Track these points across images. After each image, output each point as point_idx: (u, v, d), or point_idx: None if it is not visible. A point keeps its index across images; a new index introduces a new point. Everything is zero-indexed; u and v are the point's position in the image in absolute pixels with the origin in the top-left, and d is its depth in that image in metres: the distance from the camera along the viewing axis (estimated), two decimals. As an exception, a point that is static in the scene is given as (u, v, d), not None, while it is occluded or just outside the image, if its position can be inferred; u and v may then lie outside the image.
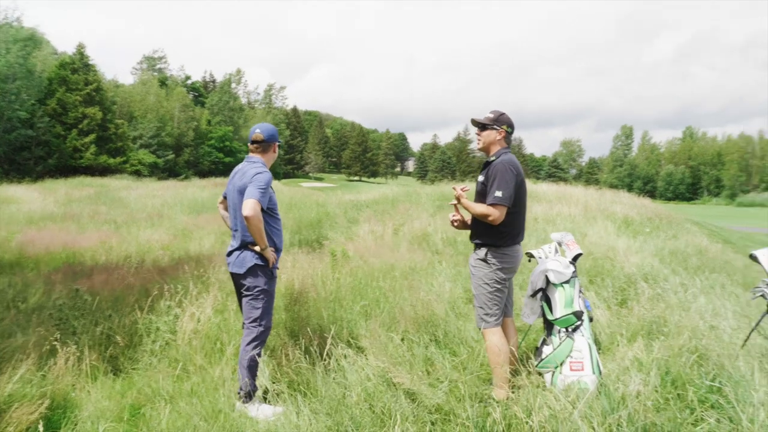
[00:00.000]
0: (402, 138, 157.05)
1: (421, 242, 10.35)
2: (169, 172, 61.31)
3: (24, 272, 8.28)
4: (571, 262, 4.53)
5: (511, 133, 4.27)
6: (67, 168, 46.09)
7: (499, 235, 4.06)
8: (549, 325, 4.36)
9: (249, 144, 4.35)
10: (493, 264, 4.07)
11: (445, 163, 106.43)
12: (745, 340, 4.41)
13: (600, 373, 4.04)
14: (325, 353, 4.41)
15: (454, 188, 4.25)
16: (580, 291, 4.49)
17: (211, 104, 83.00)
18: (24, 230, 12.53)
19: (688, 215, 21.16)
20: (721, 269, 8.23)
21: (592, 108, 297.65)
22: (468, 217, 4.38)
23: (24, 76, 44.19)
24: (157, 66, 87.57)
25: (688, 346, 4.22)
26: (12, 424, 3.43)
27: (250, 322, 4.15)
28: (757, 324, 4.46)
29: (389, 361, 4.15)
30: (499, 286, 4.09)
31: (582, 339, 4.17)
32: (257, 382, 4.15)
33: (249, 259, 4.13)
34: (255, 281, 4.14)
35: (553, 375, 4.11)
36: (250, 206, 3.86)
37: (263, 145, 4.31)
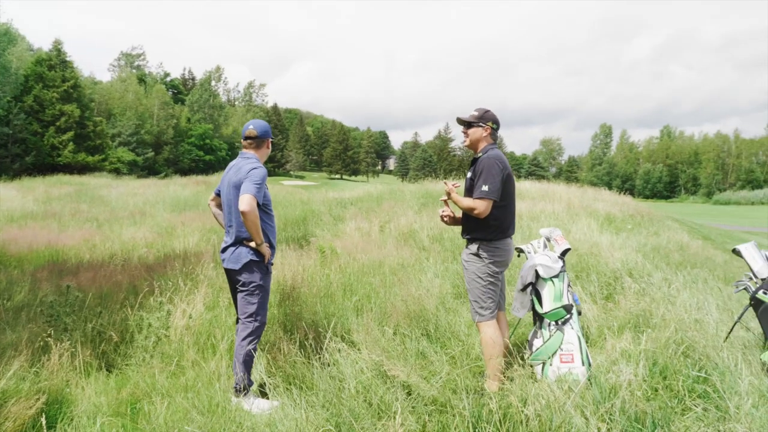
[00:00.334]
0: (383, 136, 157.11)
1: (407, 239, 10.41)
2: (148, 170, 60.81)
3: (8, 270, 8.19)
4: (559, 257, 4.61)
5: (497, 129, 4.35)
6: (45, 166, 45.44)
7: (489, 229, 4.14)
8: (539, 319, 4.44)
9: (242, 140, 4.37)
10: (486, 258, 4.15)
11: (426, 161, 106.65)
12: (729, 333, 4.53)
13: (590, 365, 4.13)
14: (319, 347, 4.46)
15: (445, 182, 4.33)
16: (569, 285, 4.57)
17: (191, 102, 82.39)
18: (5, 228, 12.37)
19: (667, 213, 21.48)
20: (703, 265, 8.41)
21: (572, 107, 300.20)
22: (458, 213, 4.45)
23: (-1, 72, 43.54)
24: (136, 63, 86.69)
25: (675, 339, 4.33)
26: (10, 418, 3.43)
27: (245, 318, 4.18)
28: (740, 317, 4.58)
29: (383, 354, 4.21)
30: (492, 280, 4.17)
31: (572, 332, 4.25)
32: (252, 377, 4.19)
33: (244, 254, 4.15)
34: (250, 277, 4.16)
35: (543, 367, 4.19)
36: (246, 201, 3.88)
37: (257, 140, 4.34)
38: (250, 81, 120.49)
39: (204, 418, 3.60)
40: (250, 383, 4.13)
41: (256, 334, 4.19)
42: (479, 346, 4.44)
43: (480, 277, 4.16)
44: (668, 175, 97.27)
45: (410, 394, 3.71)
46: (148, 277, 6.92)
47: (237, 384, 4.06)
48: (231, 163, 4.39)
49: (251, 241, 4.11)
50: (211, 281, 6.46)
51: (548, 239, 4.91)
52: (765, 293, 4.21)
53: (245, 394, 4.05)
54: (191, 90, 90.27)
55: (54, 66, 50.38)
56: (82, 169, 47.15)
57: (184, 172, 59.29)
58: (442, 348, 4.80)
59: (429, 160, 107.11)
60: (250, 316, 4.17)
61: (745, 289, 4.46)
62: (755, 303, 4.31)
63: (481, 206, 4.01)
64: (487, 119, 4.29)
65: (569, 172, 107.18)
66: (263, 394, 4.19)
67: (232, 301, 4.72)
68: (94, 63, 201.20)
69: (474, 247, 4.19)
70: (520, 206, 13.54)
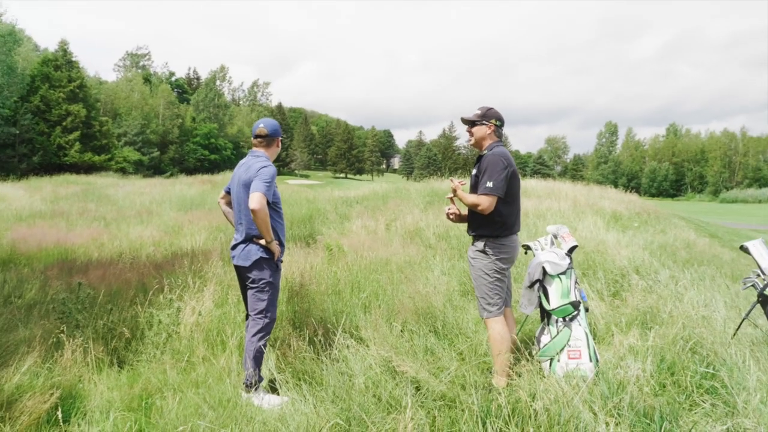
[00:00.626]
0: (387, 135, 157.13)
1: (413, 237, 10.44)
2: (154, 169, 61.02)
3: (18, 268, 8.26)
4: (567, 254, 4.63)
5: (501, 126, 4.38)
6: (52, 166, 45.65)
7: (495, 226, 4.17)
8: (547, 315, 4.46)
9: (253, 139, 4.41)
10: (492, 254, 4.18)
11: (430, 160, 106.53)
12: (737, 329, 4.54)
13: (597, 361, 4.16)
14: (328, 344, 4.50)
15: (451, 180, 4.36)
16: (576, 282, 4.59)
17: (196, 101, 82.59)
18: (14, 227, 12.47)
19: (674, 211, 21.44)
20: (710, 262, 8.41)
21: (577, 105, 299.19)
22: (464, 211, 4.48)
23: (5, 72, 43.58)
24: (141, 63, 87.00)
25: (683, 335, 4.36)
26: (25, 413, 3.49)
27: (255, 314, 4.22)
28: (748, 313, 4.59)
29: (391, 350, 4.24)
30: (499, 276, 4.20)
31: (579, 328, 4.28)
32: (262, 373, 4.23)
33: (254, 252, 4.20)
34: (260, 274, 4.20)
35: (551, 363, 4.22)
36: (256, 199, 3.92)
37: (267, 139, 4.37)
38: (255, 80, 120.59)
39: (215, 413, 3.64)
40: (261, 379, 4.17)
41: (266, 331, 4.23)
42: (487, 342, 4.47)
43: (487, 274, 4.19)
44: (674, 173, 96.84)
45: (419, 390, 3.74)
46: (156, 274, 6.98)
47: (247, 379, 4.10)
48: (241, 161, 4.43)
49: (261, 238, 4.15)
50: (219, 279, 6.51)
51: (555, 236, 4.93)
52: (773, 290, 4.22)
53: (255, 390, 4.09)
54: (196, 90, 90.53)
55: (60, 66, 50.60)
56: (89, 168, 47.35)
57: (190, 171, 59.39)
58: (449, 344, 4.82)
59: (434, 159, 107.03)
60: (260, 312, 4.22)
61: (752, 286, 4.47)
62: (763, 300, 4.32)
63: (485, 202, 4.04)
64: (490, 117, 4.32)
65: (575, 171, 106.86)
66: (273, 390, 4.23)
67: (241, 298, 4.76)
68: (96, 63, 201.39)
69: (480, 244, 4.22)
70: (527, 204, 13.56)
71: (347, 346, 4.29)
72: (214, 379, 4.33)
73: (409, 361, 4.13)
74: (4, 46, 43.23)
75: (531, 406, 3.18)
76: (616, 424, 3.08)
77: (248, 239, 4.24)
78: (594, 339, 4.71)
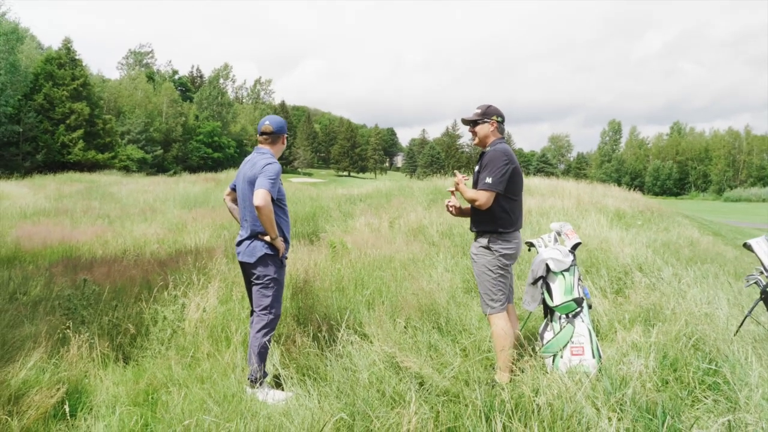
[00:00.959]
0: (391, 133, 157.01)
1: (417, 234, 10.46)
2: (157, 167, 61.07)
3: (23, 266, 8.30)
4: (570, 251, 4.64)
5: (502, 122, 4.40)
6: (55, 164, 45.72)
7: (498, 222, 4.18)
8: (550, 312, 4.48)
9: (258, 135, 4.43)
10: (496, 251, 4.20)
11: (434, 158, 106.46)
12: (739, 326, 4.55)
13: (600, 357, 4.17)
14: (331, 340, 4.52)
15: (455, 173, 4.37)
16: (579, 279, 4.61)
17: (199, 99, 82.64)
18: (19, 225, 12.52)
19: (677, 209, 21.41)
20: (713, 260, 8.40)
21: (581, 104, 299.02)
22: (464, 205, 4.51)
23: (9, 70, 43.65)
24: (144, 61, 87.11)
25: (685, 332, 4.37)
26: (33, 407, 3.52)
27: (260, 310, 4.25)
28: (751, 311, 4.59)
29: (395, 346, 4.27)
30: (502, 272, 4.22)
31: (582, 325, 4.29)
32: (266, 368, 4.26)
33: (259, 248, 4.22)
34: (265, 270, 4.23)
35: (554, 359, 4.23)
36: (261, 196, 3.94)
37: (272, 136, 4.40)
38: (257, 78, 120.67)
39: (220, 408, 3.66)
40: (265, 374, 4.20)
41: (270, 327, 4.26)
42: (490, 338, 4.48)
43: (490, 270, 4.21)
44: (678, 171, 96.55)
45: (422, 385, 3.77)
46: (161, 271, 7.01)
47: (252, 375, 4.12)
48: (247, 158, 4.46)
49: (266, 235, 4.18)
50: (223, 276, 6.54)
51: (559, 233, 4.94)
52: (776, 287, 4.22)
53: (260, 385, 4.11)
54: (199, 88, 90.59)
55: (64, 64, 50.65)
56: (92, 166, 47.39)
57: (193, 169, 59.44)
58: (453, 341, 4.84)
59: (437, 157, 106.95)
60: (264, 308, 4.24)
61: (755, 283, 4.47)
62: (766, 297, 4.32)
63: (482, 197, 4.06)
64: (491, 114, 4.34)
65: (578, 169, 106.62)
66: (278, 385, 4.26)
67: (246, 294, 4.79)
68: (99, 61, 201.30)
69: (484, 240, 4.24)
70: (530, 202, 13.56)
71: (351, 342, 4.32)
72: (219, 375, 4.36)
73: (412, 357, 4.15)
74: (7, 44, 43.31)
75: (534, 401, 3.20)
76: (619, 420, 3.10)
77: (253, 236, 4.26)
78: (597, 336, 4.72)
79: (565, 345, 4.22)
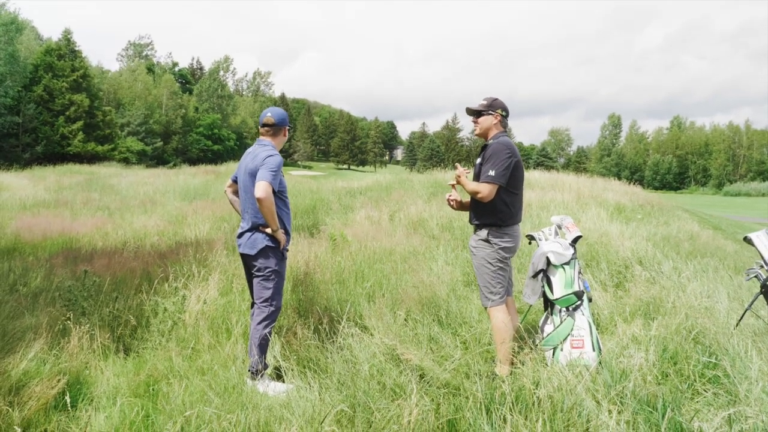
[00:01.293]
0: (391, 126, 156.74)
1: (417, 227, 10.47)
2: (157, 159, 60.99)
3: (23, 257, 8.30)
4: (570, 244, 4.64)
5: (506, 116, 4.40)
6: (55, 155, 45.64)
7: (499, 215, 4.18)
8: (550, 305, 4.49)
9: (260, 127, 4.42)
10: (495, 243, 4.20)
11: (433, 151, 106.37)
12: (739, 320, 4.56)
13: (600, 350, 4.18)
14: (332, 332, 4.53)
15: (456, 166, 4.36)
16: (580, 272, 4.61)
17: (199, 91, 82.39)
18: (18, 216, 12.51)
19: (677, 203, 21.41)
20: (713, 254, 8.41)
21: (582, 97, 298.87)
22: (465, 198, 4.50)
23: (8, 61, 43.50)
24: (144, 52, 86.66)
25: (685, 325, 4.37)
26: (33, 398, 3.52)
27: (261, 302, 4.25)
28: (751, 304, 4.61)
29: (396, 339, 4.27)
30: (501, 265, 4.22)
31: (582, 318, 4.29)
32: (267, 360, 4.27)
33: (260, 240, 4.22)
34: (266, 262, 4.23)
35: (554, 352, 4.24)
36: (262, 188, 3.94)
37: (274, 128, 4.39)
38: (256, 70, 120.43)
39: (221, 400, 3.67)
40: (266, 366, 4.21)
41: (271, 319, 4.26)
42: (490, 331, 4.49)
43: (489, 263, 4.21)
44: (678, 166, 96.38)
45: (423, 378, 3.77)
46: (161, 263, 7.01)
47: (252, 367, 4.13)
48: (248, 150, 4.45)
49: (267, 227, 4.17)
50: (223, 268, 6.54)
51: (559, 227, 4.94)
52: (776, 281, 4.23)
53: (261, 377, 4.12)
54: (199, 80, 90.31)
55: (63, 55, 50.50)
56: (92, 158, 47.32)
57: (193, 161, 59.33)
58: (453, 333, 4.85)
59: (437, 151, 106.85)
60: (265, 300, 4.24)
61: (756, 277, 4.48)
62: (766, 291, 4.33)
63: (485, 190, 4.06)
64: (496, 107, 4.33)
65: (578, 163, 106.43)
66: (278, 377, 4.27)
67: (246, 286, 4.79)
68: (100, 52, 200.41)
69: (484, 233, 4.24)
70: (530, 195, 13.56)
71: (352, 335, 4.32)
72: (220, 366, 4.37)
73: (413, 349, 4.17)
74: (6, 34, 43.15)
75: (535, 393, 3.21)
76: (619, 412, 3.10)
77: (254, 228, 4.26)
78: (597, 329, 4.73)
79: (566, 338, 4.23)
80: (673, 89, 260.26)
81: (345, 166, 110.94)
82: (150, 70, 75.03)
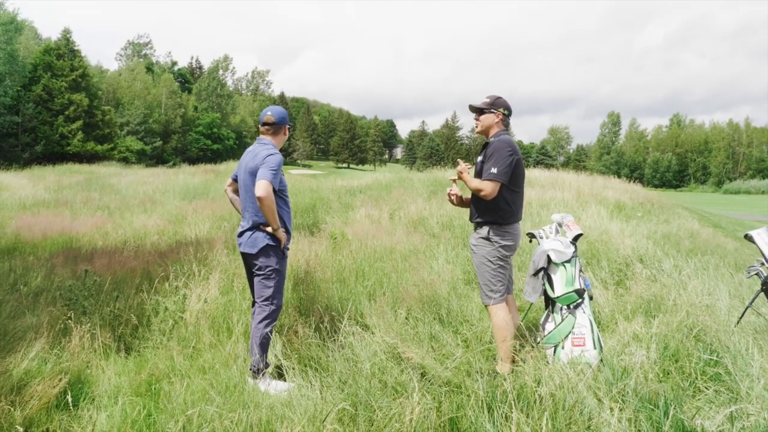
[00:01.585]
0: (390, 125, 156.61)
1: (417, 226, 10.46)
2: (157, 159, 60.95)
3: (23, 257, 8.30)
4: (571, 242, 4.64)
5: (508, 115, 4.40)
6: (54, 155, 45.61)
7: (500, 213, 4.19)
8: (551, 303, 4.49)
9: (260, 126, 4.42)
10: (496, 241, 4.20)
11: (433, 150, 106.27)
12: (740, 317, 4.56)
13: (601, 348, 4.18)
14: (333, 330, 4.53)
15: (459, 161, 4.36)
16: (581, 270, 4.61)
17: (198, 90, 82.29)
18: (18, 216, 12.50)
19: (677, 201, 21.42)
20: (713, 252, 8.41)
21: (581, 95, 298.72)
22: (466, 194, 4.50)
23: (7, 61, 43.45)
24: (143, 52, 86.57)
25: (686, 323, 4.38)
26: (35, 397, 3.52)
27: (262, 301, 4.25)
28: (751, 302, 4.60)
29: (397, 337, 4.27)
30: (502, 263, 4.23)
31: (583, 316, 4.29)
32: (268, 359, 4.26)
33: (261, 239, 4.21)
34: (267, 261, 4.22)
35: (555, 350, 4.24)
36: (262, 187, 3.93)
37: (274, 127, 4.38)
38: (254, 68, 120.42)
39: (222, 398, 3.67)
40: (267, 365, 4.21)
41: (272, 317, 4.26)
42: (491, 330, 4.49)
43: (490, 261, 4.21)
44: (678, 164, 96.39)
45: (424, 376, 3.77)
46: (161, 263, 7.01)
47: (254, 365, 4.13)
48: (248, 149, 4.45)
49: (268, 225, 4.17)
50: (224, 267, 6.54)
51: (560, 225, 4.94)
52: (777, 278, 4.23)
53: (262, 376, 4.12)
54: (199, 79, 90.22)
55: (62, 55, 50.47)
56: (91, 158, 47.28)
57: (192, 161, 59.24)
58: (454, 332, 4.85)
59: (436, 149, 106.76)
60: (266, 299, 4.24)
61: (756, 274, 4.47)
62: (767, 288, 4.33)
63: (488, 188, 4.06)
64: (498, 105, 4.34)
65: (577, 161, 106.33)
66: (280, 376, 4.27)
67: (247, 285, 4.79)
68: (96, 51, 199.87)
69: (484, 231, 4.24)
70: (530, 194, 13.55)
71: (353, 333, 4.32)
72: (221, 365, 4.37)
73: (414, 347, 4.17)
74: (5, 34, 43.10)
75: (536, 391, 3.21)
76: (621, 410, 3.10)
77: (255, 226, 4.26)
78: (598, 326, 4.73)
79: (567, 336, 4.23)
80: (672, 87, 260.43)
81: (344, 165, 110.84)
82: (149, 69, 74.96)
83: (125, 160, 51.20)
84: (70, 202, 15.96)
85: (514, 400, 3.12)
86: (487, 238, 4.22)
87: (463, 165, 4.28)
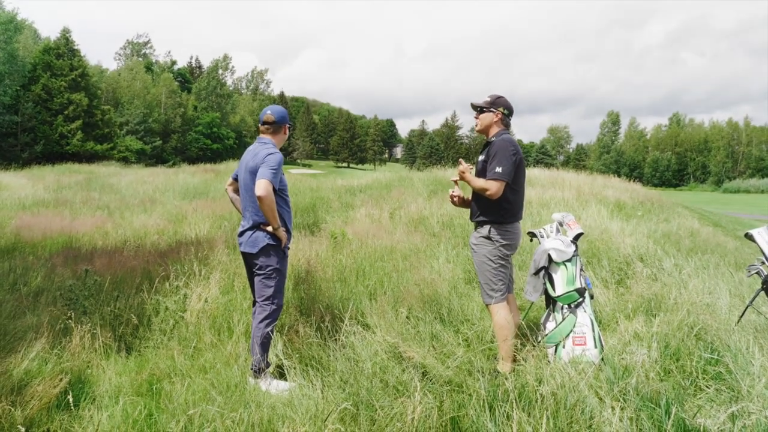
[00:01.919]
0: (390, 124, 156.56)
1: (418, 225, 10.47)
2: (156, 158, 60.90)
3: (23, 256, 8.29)
4: (572, 241, 4.64)
5: (509, 115, 4.39)
6: (54, 154, 45.55)
7: (501, 212, 4.19)
8: (552, 302, 4.48)
9: (260, 125, 4.42)
10: (497, 240, 4.20)
11: (433, 149, 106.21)
12: (741, 316, 4.56)
13: (602, 347, 4.18)
14: (334, 330, 4.53)
15: (460, 162, 4.36)
16: (581, 269, 4.61)
17: (198, 90, 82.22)
18: (18, 216, 12.49)
19: (677, 200, 21.42)
20: (714, 251, 8.42)
21: (581, 94, 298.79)
22: (468, 195, 4.50)
23: (6, 60, 43.42)
24: (143, 51, 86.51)
25: (687, 322, 4.38)
26: (36, 397, 3.52)
27: (262, 301, 4.24)
28: (752, 300, 4.61)
29: (398, 337, 4.27)
30: (502, 262, 4.23)
31: (584, 315, 4.29)
32: (269, 358, 4.26)
33: (261, 239, 4.21)
34: (267, 260, 4.22)
35: (556, 349, 4.24)
36: (262, 186, 3.93)
37: (274, 126, 4.38)
38: (253, 68, 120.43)
39: (223, 398, 3.67)
40: (268, 364, 4.21)
41: (273, 317, 4.26)
42: (492, 329, 4.49)
43: (491, 260, 4.21)
44: (677, 163, 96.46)
45: (426, 375, 3.77)
46: (162, 262, 7.00)
47: (255, 365, 4.13)
48: (249, 148, 4.44)
49: (268, 225, 4.17)
50: (224, 266, 6.53)
51: (561, 224, 4.94)
52: (777, 277, 4.23)
53: (263, 375, 4.12)
54: (198, 78, 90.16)
55: (62, 54, 50.40)
56: (91, 157, 47.20)
57: (192, 160, 59.16)
58: (455, 331, 4.85)
59: (436, 149, 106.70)
60: (267, 299, 4.24)
61: (757, 273, 4.48)
62: (767, 287, 4.33)
63: (494, 187, 4.06)
64: (498, 105, 4.33)
65: (577, 160, 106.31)
66: (281, 376, 4.26)
67: (248, 285, 4.78)
68: (95, 50, 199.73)
69: (485, 230, 4.24)
70: (530, 193, 13.55)
71: (354, 333, 4.32)
72: (222, 365, 4.37)
73: (415, 347, 4.17)
74: (5, 33, 43.07)
75: (538, 390, 3.21)
76: (622, 409, 3.10)
77: (255, 226, 4.25)
78: (599, 326, 4.73)
79: (568, 335, 4.23)
80: (672, 86, 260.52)
81: (344, 165, 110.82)
82: (148, 68, 74.92)
83: (125, 160, 51.15)
84: (69, 202, 15.95)
85: (515, 400, 3.12)
86: (488, 237, 4.22)
87: (464, 165, 4.28)
